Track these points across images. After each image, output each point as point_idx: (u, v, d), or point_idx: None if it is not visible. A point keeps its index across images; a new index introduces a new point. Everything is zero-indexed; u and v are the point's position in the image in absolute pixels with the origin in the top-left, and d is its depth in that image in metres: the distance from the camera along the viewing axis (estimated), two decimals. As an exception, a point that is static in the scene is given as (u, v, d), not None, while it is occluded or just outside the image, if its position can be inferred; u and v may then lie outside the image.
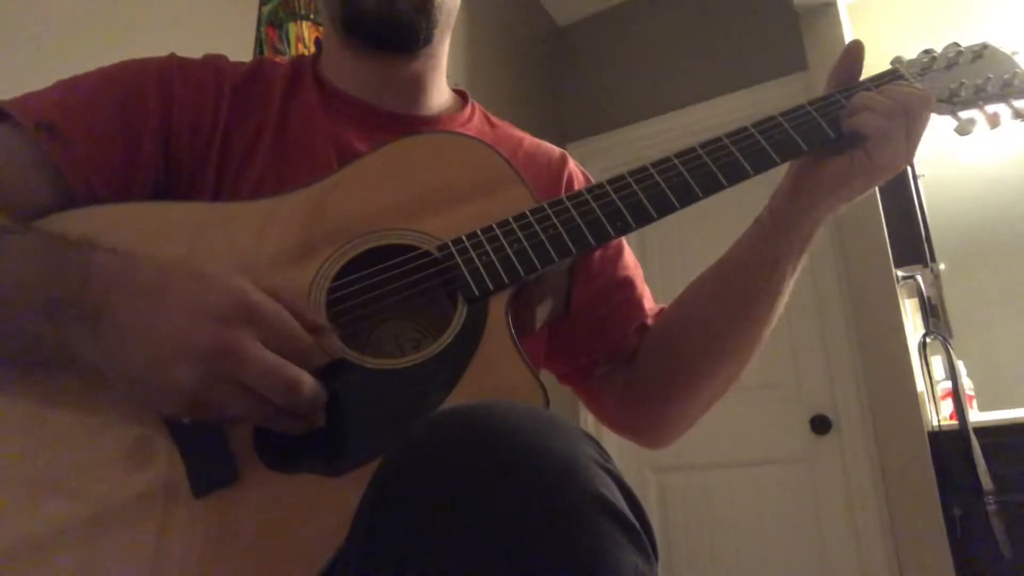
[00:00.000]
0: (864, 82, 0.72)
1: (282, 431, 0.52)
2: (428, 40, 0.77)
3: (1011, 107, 0.71)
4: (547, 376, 0.79)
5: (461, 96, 0.88)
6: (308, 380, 0.51)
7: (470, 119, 0.85)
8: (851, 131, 0.67)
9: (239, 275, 0.53)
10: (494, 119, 0.88)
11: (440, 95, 0.84)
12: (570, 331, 0.81)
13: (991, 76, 0.71)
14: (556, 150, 0.88)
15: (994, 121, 0.71)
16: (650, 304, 0.85)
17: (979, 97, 0.71)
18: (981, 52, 0.73)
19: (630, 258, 0.87)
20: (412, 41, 0.76)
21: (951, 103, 0.71)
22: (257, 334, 0.51)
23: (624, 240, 0.81)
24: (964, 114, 0.71)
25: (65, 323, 0.51)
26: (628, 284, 0.84)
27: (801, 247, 0.72)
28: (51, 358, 0.53)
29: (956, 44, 0.74)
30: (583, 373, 0.84)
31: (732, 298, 0.74)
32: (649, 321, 0.83)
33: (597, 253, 0.83)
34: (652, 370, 0.80)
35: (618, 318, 0.82)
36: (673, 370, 0.78)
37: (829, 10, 2.51)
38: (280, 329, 0.52)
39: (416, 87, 0.80)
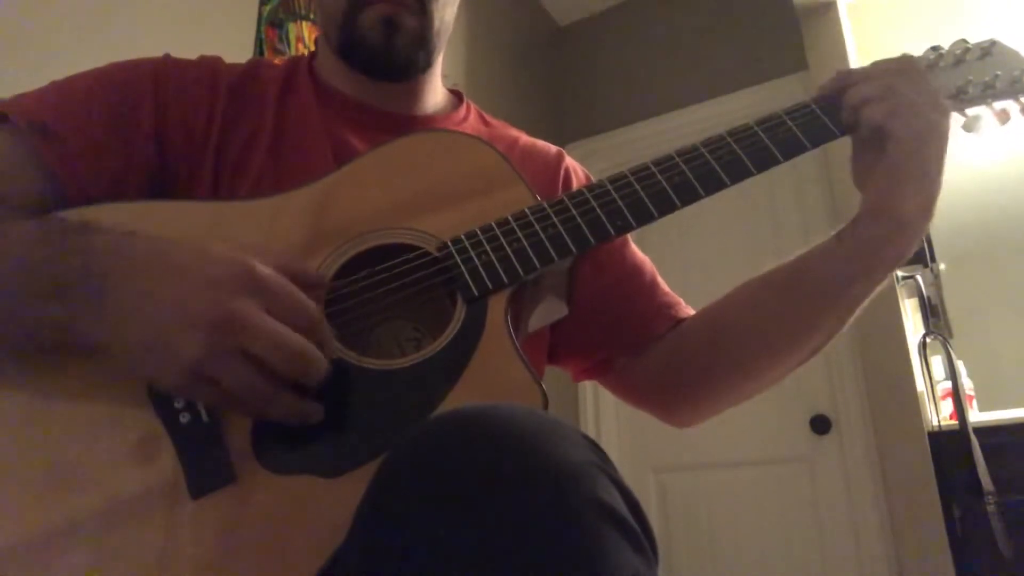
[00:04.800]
0: None
1: (279, 419, 0.52)
2: (427, 67, 0.78)
3: (1020, 104, 0.70)
4: (549, 374, 0.78)
5: (456, 96, 0.88)
6: (313, 350, 0.51)
7: (465, 118, 0.84)
8: (862, 127, 0.66)
9: (242, 250, 0.53)
10: (489, 118, 0.88)
11: (436, 95, 0.84)
12: (583, 327, 0.79)
13: (999, 73, 0.70)
14: (552, 147, 0.88)
15: (1003, 118, 0.70)
16: (665, 289, 0.83)
17: (987, 94, 0.70)
18: (989, 49, 0.72)
19: (636, 250, 0.85)
20: (411, 72, 0.77)
21: (958, 100, 0.70)
22: (262, 305, 0.50)
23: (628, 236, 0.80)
24: (971, 111, 0.71)
25: (67, 302, 0.51)
26: (638, 274, 0.82)
27: (882, 273, 0.67)
28: (56, 342, 0.53)
29: (964, 41, 0.73)
30: (601, 368, 0.83)
31: (799, 306, 0.71)
32: (678, 311, 0.80)
33: (603, 248, 0.81)
34: (699, 361, 0.77)
35: (633, 310, 0.80)
36: (724, 365, 0.76)
37: (829, 10, 2.51)
38: (286, 302, 0.52)
39: (413, 93, 0.81)
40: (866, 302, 0.69)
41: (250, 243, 0.60)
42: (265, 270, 0.52)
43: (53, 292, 0.52)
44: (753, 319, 0.74)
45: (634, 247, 0.85)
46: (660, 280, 0.84)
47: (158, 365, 0.50)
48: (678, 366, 0.78)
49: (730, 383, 0.78)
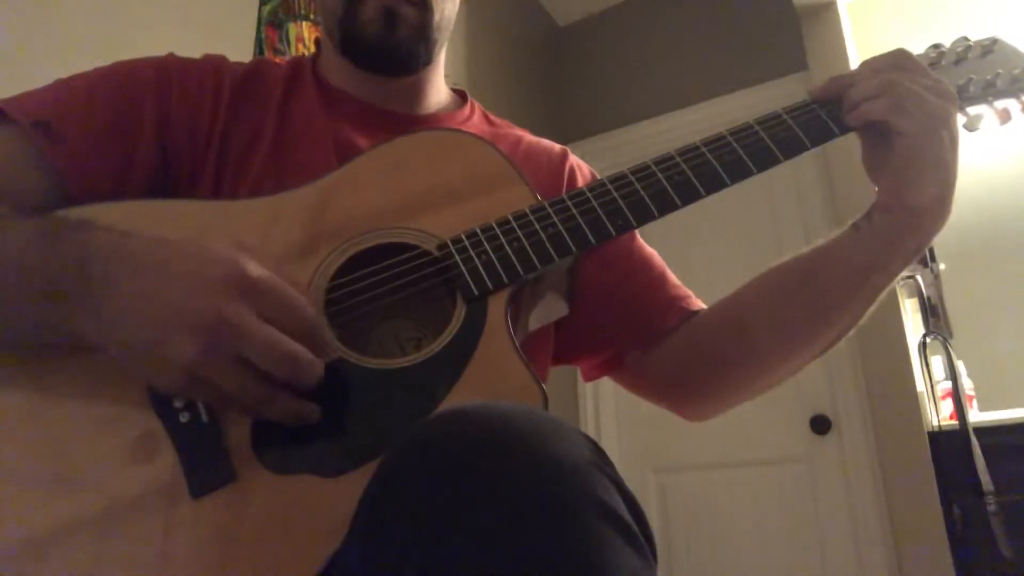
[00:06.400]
0: None
1: (276, 419, 0.52)
2: (428, 62, 0.78)
3: (1021, 102, 0.69)
4: (549, 374, 0.78)
5: (460, 95, 0.88)
6: (307, 354, 0.51)
7: (469, 118, 0.84)
8: (865, 125, 0.65)
9: (240, 251, 0.53)
10: (493, 117, 0.88)
11: (439, 94, 0.84)
12: (593, 323, 0.79)
13: (1000, 71, 0.70)
14: (556, 146, 0.87)
15: (1004, 116, 0.70)
16: (675, 282, 0.82)
17: (988, 93, 0.69)
18: (991, 47, 0.72)
19: (644, 244, 0.85)
20: (412, 66, 0.77)
21: (960, 99, 0.69)
22: (257, 309, 0.51)
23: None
24: (972, 110, 0.70)
25: (65, 301, 0.52)
26: (646, 268, 0.82)
27: (900, 264, 0.67)
28: (54, 340, 0.53)
29: (965, 39, 0.73)
30: (612, 363, 0.82)
31: (817, 297, 0.70)
32: (689, 303, 0.80)
33: (610, 243, 0.79)
34: (716, 353, 0.77)
35: (643, 303, 0.80)
36: (741, 356, 0.75)
37: (829, 10, 2.51)
38: (280, 304, 0.52)
39: (415, 91, 0.81)
40: (883, 295, 0.69)
41: (247, 243, 0.60)
42: (261, 272, 0.52)
43: (49, 293, 0.52)
44: (771, 309, 0.73)
45: (642, 241, 0.84)
46: (670, 273, 0.83)
47: (154, 367, 0.50)
48: (693, 359, 0.78)
49: (746, 375, 0.77)
